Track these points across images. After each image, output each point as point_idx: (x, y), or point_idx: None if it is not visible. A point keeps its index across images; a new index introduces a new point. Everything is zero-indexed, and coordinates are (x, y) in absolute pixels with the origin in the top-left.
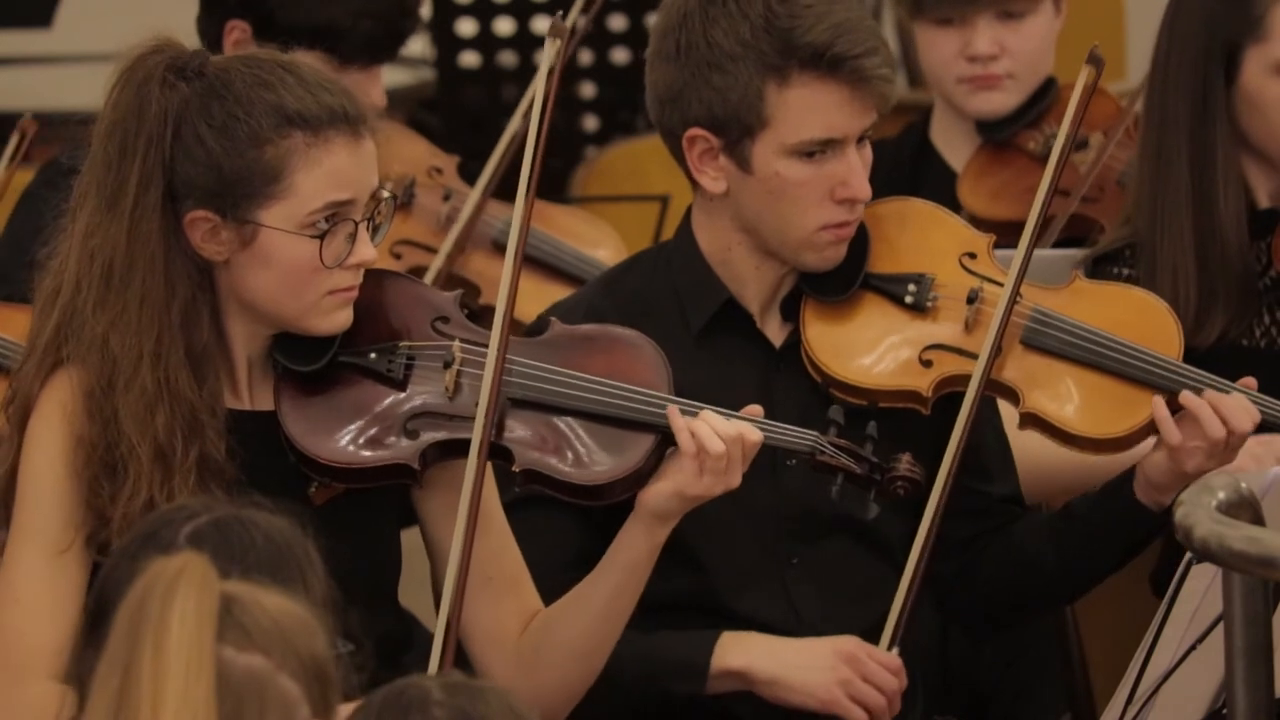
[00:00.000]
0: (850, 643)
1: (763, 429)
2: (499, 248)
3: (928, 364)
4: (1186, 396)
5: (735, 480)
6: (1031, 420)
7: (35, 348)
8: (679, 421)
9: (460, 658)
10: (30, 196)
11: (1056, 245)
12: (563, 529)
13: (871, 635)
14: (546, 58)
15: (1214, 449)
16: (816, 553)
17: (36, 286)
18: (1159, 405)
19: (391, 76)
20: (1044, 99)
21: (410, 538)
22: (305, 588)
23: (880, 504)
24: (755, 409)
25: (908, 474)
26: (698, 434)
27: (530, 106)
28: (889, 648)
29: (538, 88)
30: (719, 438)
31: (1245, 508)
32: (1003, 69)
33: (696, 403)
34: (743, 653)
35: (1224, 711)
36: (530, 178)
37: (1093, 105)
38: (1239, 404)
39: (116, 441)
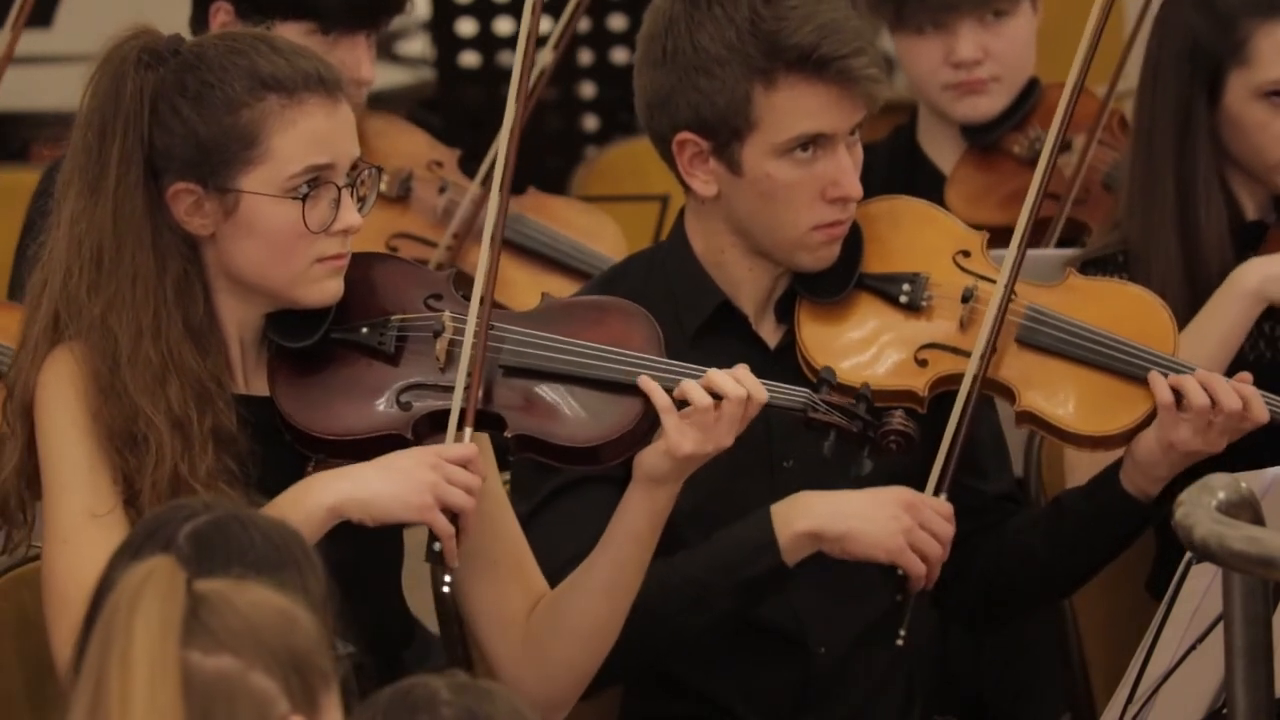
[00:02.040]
0: (906, 491)
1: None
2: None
3: (923, 363)
4: (1173, 377)
5: (726, 438)
6: (1028, 419)
7: (29, 339)
8: (649, 381)
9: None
10: (36, 200)
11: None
12: (604, 509)
13: (870, 632)
14: None
15: (1200, 420)
16: (815, 554)
17: (27, 283)
18: (1155, 376)
19: (391, 76)
20: (1028, 101)
21: (410, 536)
22: (304, 587)
23: (874, 460)
24: (742, 367)
25: (900, 428)
26: (673, 389)
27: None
28: (935, 494)
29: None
30: (696, 386)
31: (1245, 508)
32: (987, 73)
33: (694, 365)
34: (805, 514)
35: (1224, 711)
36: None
37: (1079, 101)
38: (1225, 380)
39: (134, 416)
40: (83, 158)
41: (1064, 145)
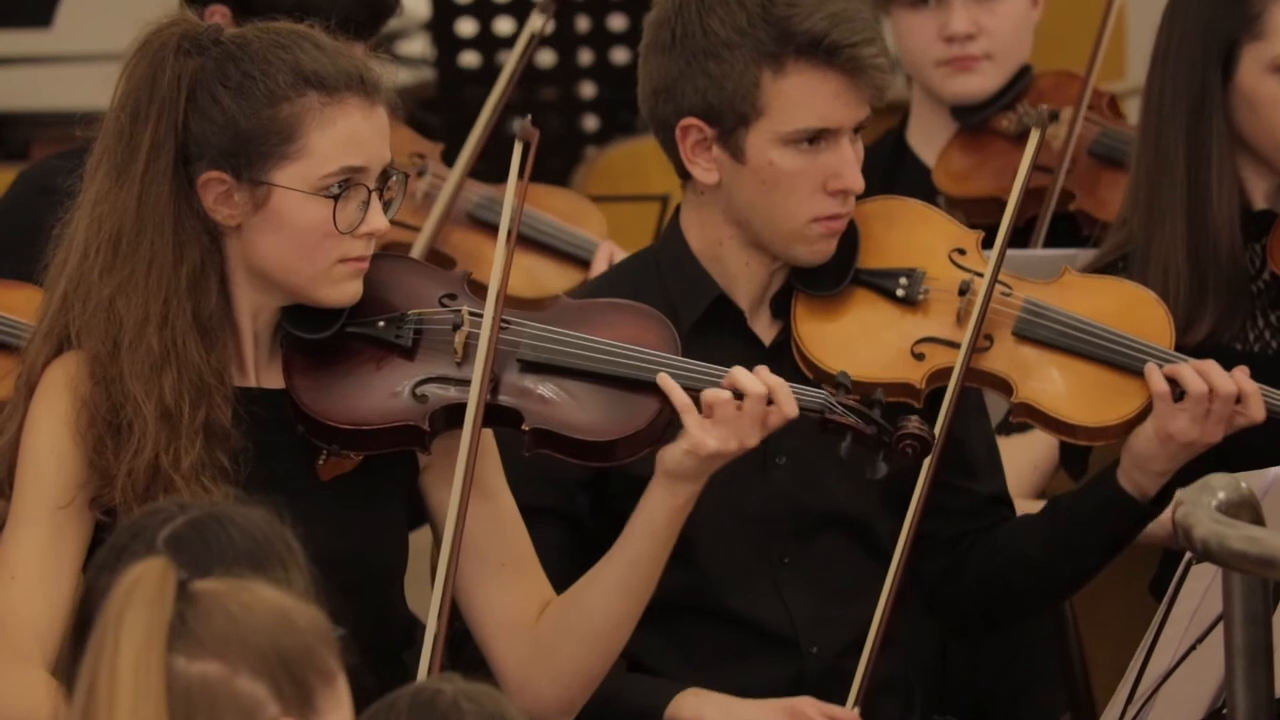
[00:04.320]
0: (804, 701)
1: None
2: (474, 221)
3: (920, 357)
4: (1169, 366)
5: (751, 437)
6: (1025, 410)
7: (44, 318)
8: (668, 380)
9: (450, 656)
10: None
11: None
12: (553, 541)
13: (863, 638)
14: (515, 158)
15: (1197, 408)
16: (808, 552)
17: (50, 260)
18: (1151, 367)
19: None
20: (1019, 84)
21: (415, 539)
22: (288, 581)
23: (889, 464)
24: (761, 368)
25: (916, 432)
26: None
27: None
28: (853, 705)
29: (508, 191)
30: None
31: (1245, 508)
32: (980, 49)
33: (711, 365)
34: (695, 705)
35: (1224, 711)
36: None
37: (1070, 86)
38: (1221, 369)
39: (122, 403)
40: (113, 140)
41: (1052, 115)
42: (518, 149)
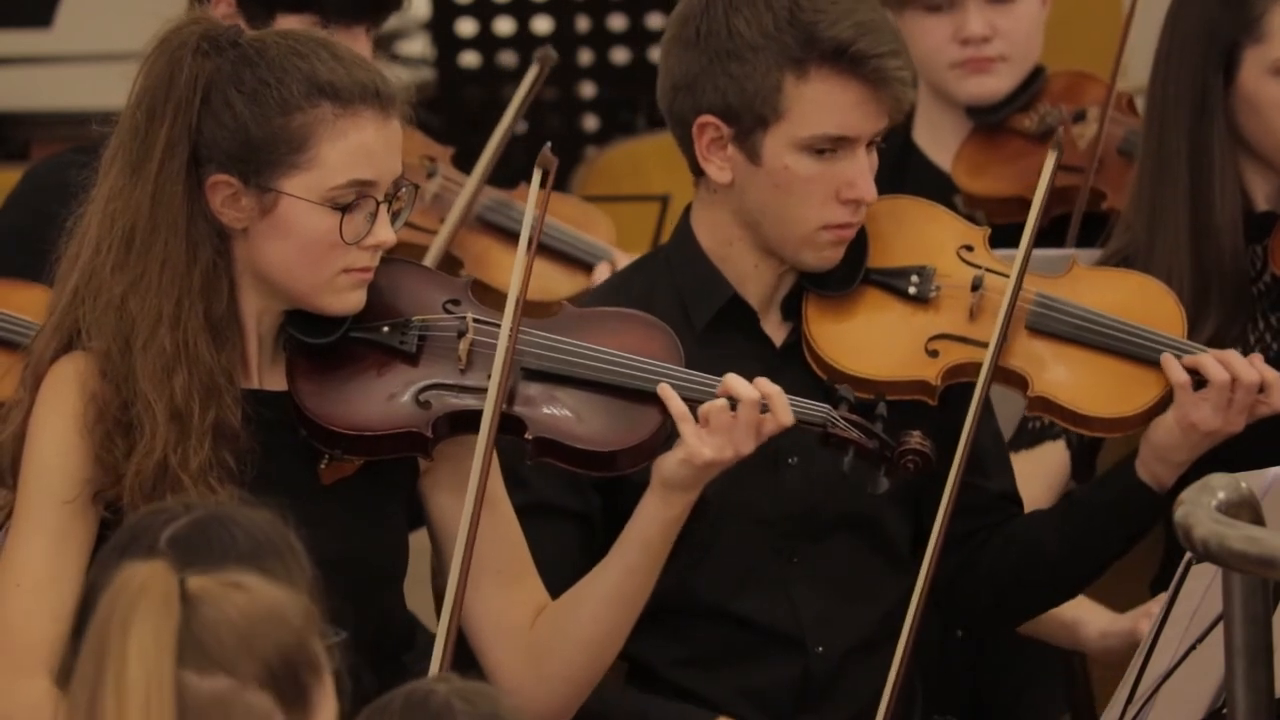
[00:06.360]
0: None
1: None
2: (484, 224)
3: (934, 354)
4: (1189, 356)
5: (746, 445)
6: (1041, 405)
7: (54, 310)
8: (668, 389)
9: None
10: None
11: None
12: (566, 540)
13: (870, 638)
14: (534, 189)
15: (1220, 397)
16: (817, 551)
17: (62, 254)
18: (1168, 358)
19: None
20: (1033, 86)
21: (415, 540)
22: (290, 580)
23: (891, 479)
24: (760, 379)
25: (918, 448)
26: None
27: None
28: (884, 714)
29: (529, 205)
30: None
31: (1245, 508)
32: (995, 51)
33: (713, 376)
34: None
35: (1224, 711)
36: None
37: (1085, 86)
38: (1242, 358)
39: (131, 400)
40: (128, 137)
41: (1077, 115)
42: (537, 174)
